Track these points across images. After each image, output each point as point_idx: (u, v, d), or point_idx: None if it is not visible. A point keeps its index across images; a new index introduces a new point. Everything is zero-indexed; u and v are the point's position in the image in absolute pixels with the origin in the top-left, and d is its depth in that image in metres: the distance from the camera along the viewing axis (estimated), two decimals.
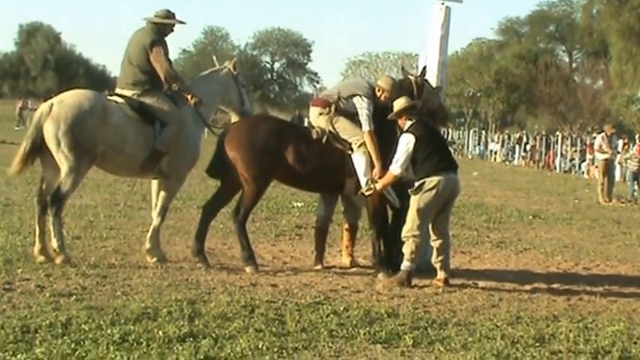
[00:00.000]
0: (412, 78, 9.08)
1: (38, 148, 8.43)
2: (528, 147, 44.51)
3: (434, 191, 8.35)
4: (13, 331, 5.86)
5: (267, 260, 9.55)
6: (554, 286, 8.88)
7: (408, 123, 8.53)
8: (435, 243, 8.56)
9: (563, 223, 14.98)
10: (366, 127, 8.70)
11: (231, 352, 5.70)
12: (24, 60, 77.72)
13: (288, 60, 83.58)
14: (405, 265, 8.39)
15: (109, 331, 5.95)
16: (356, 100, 8.81)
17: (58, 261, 8.36)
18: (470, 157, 49.23)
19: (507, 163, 44.74)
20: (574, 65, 69.46)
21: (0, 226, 10.51)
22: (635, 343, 6.58)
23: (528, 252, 11.29)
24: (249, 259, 8.78)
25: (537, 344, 6.36)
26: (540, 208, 17.36)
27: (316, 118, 9.00)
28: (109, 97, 8.86)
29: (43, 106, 8.63)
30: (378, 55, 73.03)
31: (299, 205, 14.64)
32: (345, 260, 9.49)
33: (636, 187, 21.69)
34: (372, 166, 8.70)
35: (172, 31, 9.11)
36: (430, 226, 8.51)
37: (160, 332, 6.00)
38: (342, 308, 7.11)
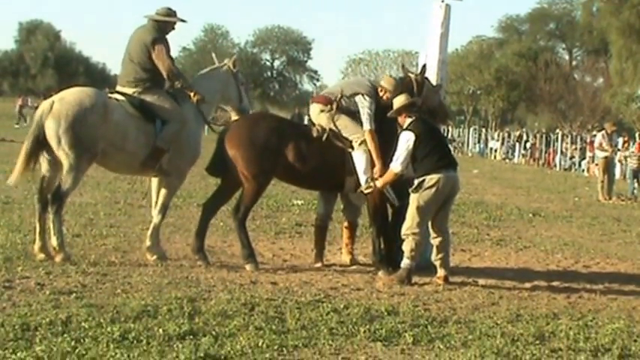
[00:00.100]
0: (412, 76, 9.08)
1: (40, 146, 8.42)
2: (528, 145, 44.54)
3: (434, 189, 8.35)
4: (13, 328, 5.86)
5: (267, 258, 9.55)
6: (554, 283, 8.89)
7: (408, 120, 8.53)
8: (435, 241, 8.56)
9: (563, 221, 14.99)
10: (367, 125, 8.70)
11: (231, 349, 5.69)
12: (24, 58, 77.75)
13: (288, 58, 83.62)
14: (405, 262, 8.39)
15: (109, 329, 5.95)
16: (358, 98, 8.81)
17: (57, 259, 8.36)
18: (470, 154, 49.25)
19: (507, 160, 44.78)
20: (574, 63, 69.48)
21: (0, 223, 10.51)
22: (635, 340, 6.58)
23: (528, 250, 11.29)
24: (249, 256, 8.78)
25: (537, 342, 6.36)
26: (540, 206, 17.37)
27: (317, 116, 8.99)
28: (109, 95, 8.86)
29: (44, 104, 8.63)
30: (378, 53, 73.18)
31: (299, 203, 14.64)
32: (345, 258, 9.49)
33: (636, 184, 21.71)
34: (373, 165, 8.70)
35: (174, 29, 9.10)
36: (430, 223, 8.51)
37: (160, 330, 6.01)
38: (342, 306, 7.11)
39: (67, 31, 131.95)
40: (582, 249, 11.59)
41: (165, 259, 8.85)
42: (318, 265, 9.22)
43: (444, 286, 8.37)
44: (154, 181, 9.12)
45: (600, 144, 21.60)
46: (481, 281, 8.75)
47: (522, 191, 21.85)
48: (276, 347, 5.83)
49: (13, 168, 8.66)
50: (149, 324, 6.19)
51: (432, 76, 9.57)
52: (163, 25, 8.97)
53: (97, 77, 67.95)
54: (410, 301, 7.54)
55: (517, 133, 48.31)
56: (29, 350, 5.43)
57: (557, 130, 45.50)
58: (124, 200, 13.80)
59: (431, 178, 8.34)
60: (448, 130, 50.53)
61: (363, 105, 8.76)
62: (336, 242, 10.24)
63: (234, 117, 9.51)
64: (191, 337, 5.93)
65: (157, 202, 9.02)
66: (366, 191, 8.70)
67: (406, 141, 8.40)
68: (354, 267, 9.27)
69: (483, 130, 55.52)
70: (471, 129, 56.09)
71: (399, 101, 8.57)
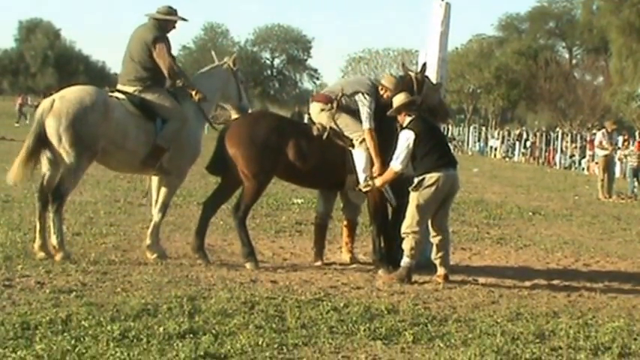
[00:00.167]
0: (412, 74, 9.07)
1: (41, 145, 8.42)
2: (528, 143, 44.54)
3: (433, 187, 8.34)
4: (13, 327, 5.86)
5: (267, 257, 9.55)
6: (554, 282, 8.89)
7: (408, 119, 8.52)
8: (435, 239, 8.56)
9: (563, 220, 14.99)
10: (366, 124, 8.70)
11: (231, 348, 5.69)
12: (24, 56, 77.80)
13: (288, 56, 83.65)
14: (405, 261, 8.39)
15: (109, 328, 5.95)
16: (358, 97, 8.81)
17: (57, 258, 8.35)
18: (470, 153, 49.26)
19: (507, 159, 44.78)
20: (574, 62, 69.47)
21: (0, 222, 10.51)
22: (635, 339, 6.58)
23: (528, 248, 11.29)
24: (250, 255, 8.79)
25: (537, 340, 6.36)
26: (540, 205, 17.37)
27: (317, 114, 8.99)
28: (110, 94, 8.86)
29: (45, 102, 8.63)
30: (378, 52, 73.16)
31: (299, 201, 14.64)
32: (345, 257, 9.49)
33: (636, 183, 21.71)
34: (372, 163, 8.70)
35: (174, 27, 9.10)
36: (430, 222, 8.51)
37: (160, 329, 6.00)
38: (342, 304, 7.11)
39: (66, 29, 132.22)
40: (582, 247, 11.59)
41: (165, 257, 8.85)
42: (318, 263, 9.21)
43: (443, 284, 8.37)
44: (155, 179, 9.12)
45: (600, 142, 21.61)
46: (481, 280, 8.75)
47: (522, 190, 21.85)
48: (276, 346, 5.83)
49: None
50: (149, 322, 6.19)
51: (432, 74, 9.57)
52: (164, 23, 8.97)
53: (96, 76, 67.96)
54: (410, 300, 7.53)
55: (517, 132, 48.32)
56: (29, 349, 5.43)
57: (557, 129, 45.51)
58: (123, 199, 13.80)
59: (431, 177, 8.34)
60: (448, 129, 50.52)
61: (363, 104, 8.76)
62: (336, 241, 10.24)
63: (233, 115, 9.51)
64: (191, 335, 5.93)
65: (157, 201, 9.02)
66: (364, 189, 8.71)
67: (406, 139, 8.40)
68: (354, 265, 9.27)
69: (483, 128, 55.53)
70: (471, 127, 56.09)
71: (398, 100, 8.56)
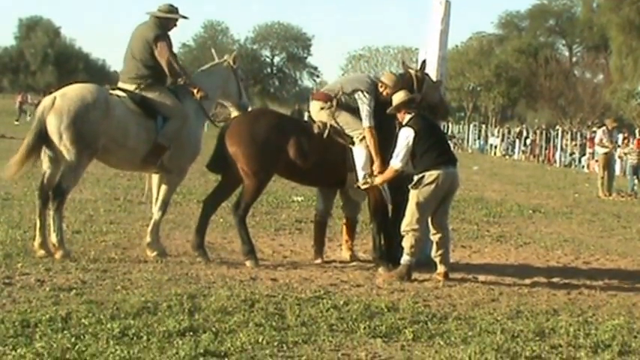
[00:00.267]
0: (412, 72, 9.07)
1: (42, 142, 8.41)
2: (528, 141, 44.52)
3: (433, 185, 8.34)
4: (13, 325, 5.86)
5: (267, 254, 9.55)
6: (554, 280, 8.89)
7: (407, 117, 8.52)
8: (435, 237, 8.56)
9: (563, 217, 14.98)
10: (366, 122, 8.70)
11: (232, 346, 5.69)
12: (24, 54, 77.75)
13: (288, 54, 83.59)
14: (405, 259, 8.39)
15: (108, 326, 5.95)
16: (358, 95, 8.80)
17: (57, 256, 8.35)
18: (470, 151, 49.24)
19: (507, 157, 44.76)
20: (574, 59, 69.44)
21: (0, 220, 10.51)
22: (635, 337, 6.58)
23: (528, 246, 11.29)
24: (250, 253, 8.79)
25: (537, 338, 6.37)
26: (540, 202, 17.36)
27: (317, 112, 8.98)
28: (111, 91, 8.86)
29: (46, 100, 8.63)
30: (378, 50, 73.19)
31: (299, 199, 14.64)
32: (345, 254, 9.49)
33: (636, 181, 21.72)
34: (372, 161, 8.70)
35: (175, 25, 9.09)
36: (430, 220, 8.51)
37: (160, 326, 6.01)
38: (342, 302, 7.11)
39: (66, 27, 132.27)
40: (582, 245, 11.59)
41: (165, 255, 8.85)
42: (318, 261, 9.22)
43: (443, 282, 8.37)
44: (155, 177, 9.12)
45: (600, 140, 21.60)
46: (481, 277, 8.75)
47: (522, 188, 21.85)
48: (276, 343, 5.83)
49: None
50: (149, 320, 6.19)
51: (432, 72, 9.57)
52: (165, 21, 8.96)
53: (96, 74, 67.88)
54: (410, 298, 7.54)
55: (517, 130, 48.31)
56: (29, 347, 5.43)
57: (557, 127, 45.47)
58: (123, 197, 13.80)
59: (430, 175, 8.34)
60: (448, 127, 50.52)
61: (363, 102, 8.76)
62: (336, 239, 10.24)
63: (233, 113, 9.51)
64: (191, 333, 5.93)
65: (157, 199, 9.02)
66: (362, 187, 8.71)
67: (406, 137, 8.40)
68: (353, 263, 9.27)
69: (483, 126, 55.50)
70: (471, 125, 56.08)
71: (398, 97, 8.56)
